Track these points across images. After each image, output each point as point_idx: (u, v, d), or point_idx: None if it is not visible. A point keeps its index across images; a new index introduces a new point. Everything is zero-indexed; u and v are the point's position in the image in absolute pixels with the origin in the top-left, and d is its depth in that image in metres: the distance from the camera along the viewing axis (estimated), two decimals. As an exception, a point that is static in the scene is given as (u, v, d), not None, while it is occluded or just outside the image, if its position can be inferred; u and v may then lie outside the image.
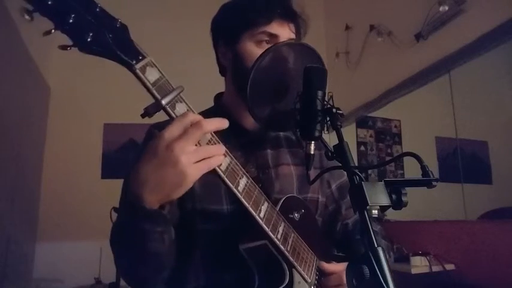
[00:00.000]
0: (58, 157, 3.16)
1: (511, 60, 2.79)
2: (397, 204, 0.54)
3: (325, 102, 0.67)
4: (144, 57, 0.57)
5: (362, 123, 3.70)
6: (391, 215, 2.55)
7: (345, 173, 0.60)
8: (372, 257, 0.49)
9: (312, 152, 0.69)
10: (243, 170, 0.69)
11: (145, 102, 0.58)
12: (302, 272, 0.80)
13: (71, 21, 0.50)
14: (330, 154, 0.62)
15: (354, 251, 0.96)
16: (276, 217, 0.76)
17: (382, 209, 0.53)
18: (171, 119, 0.59)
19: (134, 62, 0.56)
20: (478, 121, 3.09)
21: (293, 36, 0.88)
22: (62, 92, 3.25)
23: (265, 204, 0.74)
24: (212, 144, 0.62)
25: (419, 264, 2.32)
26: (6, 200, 2.30)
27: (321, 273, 0.86)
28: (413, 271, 2.26)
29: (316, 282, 0.84)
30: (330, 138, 0.67)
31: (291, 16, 0.88)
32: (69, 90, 3.24)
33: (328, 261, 0.90)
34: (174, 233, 0.70)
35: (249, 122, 0.88)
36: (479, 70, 2.82)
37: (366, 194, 0.52)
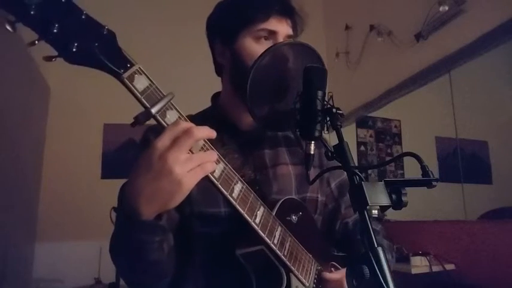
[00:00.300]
0: (58, 157, 3.15)
1: (511, 60, 2.79)
2: (397, 204, 0.54)
3: (325, 102, 0.66)
4: (132, 65, 0.56)
5: (362, 123, 3.70)
6: (391, 215, 2.54)
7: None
8: (371, 257, 0.49)
9: (312, 152, 0.69)
10: (237, 175, 0.68)
11: (145, 103, 0.57)
12: (300, 277, 0.79)
13: (54, 30, 0.48)
14: (330, 154, 0.62)
15: (354, 251, 0.95)
16: (273, 222, 0.75)
17: (382, 209, 0.53)
18: (162, 128, 0.58)
19: (122, 70, 0.55)
20: (478, 121, 3.08)
21: (291, 32, 0.87)
22: (62, 92, 3.24)
23: (261, 209, 0.73)
24: (205, 151, 0.61)
25: (419, 264, 2.33)
26: (6, 200, 2.30)
27: (322, 282, 0.85)
28: (414, 271, 2.26)
29: (314, 286, 0.83)
30: (330, 138, 0.67)
31: (289, 12, 0.87)
32: (69, 90, 3.23)
33: (327, 263, 0.89)
34: (173, 238, 0.70)
35: (247, 121, 0.87)
36: (479, 70, 2.81)
37: (366, 194, 0.52)
